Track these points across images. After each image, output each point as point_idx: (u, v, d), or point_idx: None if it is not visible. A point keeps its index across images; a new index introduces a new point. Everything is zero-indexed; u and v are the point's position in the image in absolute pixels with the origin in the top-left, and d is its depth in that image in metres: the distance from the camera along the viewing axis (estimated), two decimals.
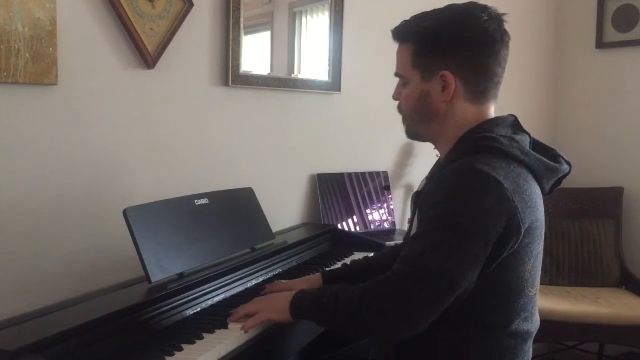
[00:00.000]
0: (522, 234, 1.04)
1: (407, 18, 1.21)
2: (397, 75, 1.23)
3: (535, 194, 1.09)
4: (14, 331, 1.07)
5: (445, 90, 1.13)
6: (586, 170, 2.95)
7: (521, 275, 1.08)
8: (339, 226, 2.15)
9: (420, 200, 1.13)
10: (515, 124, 1.19)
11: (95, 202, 1.51)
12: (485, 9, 1.14)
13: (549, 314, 2.30)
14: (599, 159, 2.94)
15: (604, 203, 2.76)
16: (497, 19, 1.14)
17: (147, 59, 1.58)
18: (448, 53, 1.12)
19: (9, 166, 1.35)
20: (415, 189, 2.37)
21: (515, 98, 2.92)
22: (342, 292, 1.12)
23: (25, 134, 1.38)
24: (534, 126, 2.94)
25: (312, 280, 1.46)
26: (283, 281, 1.47)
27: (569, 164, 1.20)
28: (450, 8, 1.16)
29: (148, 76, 1.61)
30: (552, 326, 2.31)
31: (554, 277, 2.64)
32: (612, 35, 2.86)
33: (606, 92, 2.92)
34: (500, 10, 1.16)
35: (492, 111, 1.18)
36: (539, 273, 1.16)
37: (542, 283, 2.54)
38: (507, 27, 1.17)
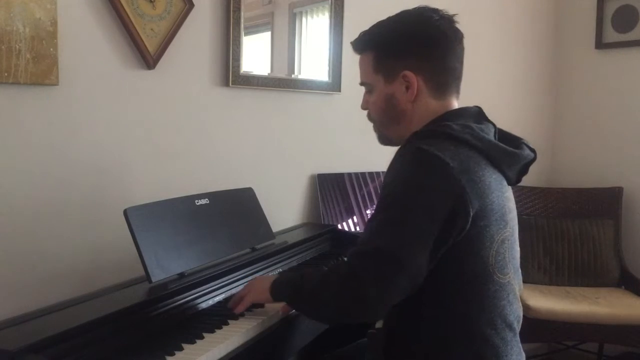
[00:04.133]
0: (471, 215, 1.04)
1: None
2: (362, 84, 1.27)
3: (490, 177, 1.10)
4: (15, 331, 1.08)
5: (408, 90, 1.18)
6: (585, 170, 2.95)
7: (484, 260, 1.08)
8: (339, 226, 2.15)
9: None
10: (478, 114, 1.21)
11: (96, 202, 1.51)
12: (435, 10, 1.19)
13: (548, 313, 2.31)
14: (598, 159, 2.94)
15: (604, 203, 2.76)
16: (447, 19, 1.19)
17: (148, 59, 1.59)
18: (406, 53, 1.18)
19: (9, 166, 1.36)
20: None
21: (514, 98, 2.93)
22: (310, 276, 1.17)
23: (26, 134, 1.38)
24: (534, 126, 2.96)
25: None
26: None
27: (533, 150, 1.22)
28: (403, 13, 1.22)
29: (148, 76, 1.62)
30: (551, 326, 2.32)
31: (553, 276, 2.64)
32: (611, 35, 2.86)
33: (605, 93, 2.92)
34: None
35: (455, 105, 1.22)
36: (512, 260, 1.16)
37: (541, 283, 2.60)
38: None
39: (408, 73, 1.16)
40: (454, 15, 1.20)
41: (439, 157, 1.04)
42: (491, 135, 1.18)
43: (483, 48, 2.65)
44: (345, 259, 1.13)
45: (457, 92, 1.22)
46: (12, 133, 1.36)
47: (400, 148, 1.18)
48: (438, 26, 1.17)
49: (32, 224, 1.40)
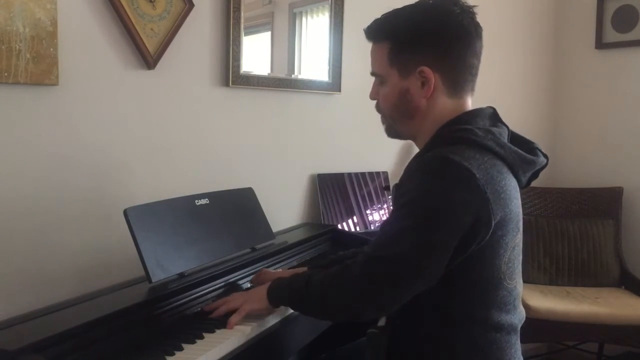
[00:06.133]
0: (492, 226, 1.03)
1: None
2: (373, 74, 1.23)
3: (510, 185, 1.09)
4: (15, 331, 1.08)
5: (424, 86, 1.13)
6: (585, 170, 2.95)
7: (497, 267, 1.08)
8: (339, 226, 2.15)
9: (393, 189, 1.14)
10: (493, 116, 1.19)
11: (96, 202, 1.51)
12: (456, 2, 1.14)
13: (548, 313, 2.31)
14: (598, 159, 2.94)
15: (604, 203, 2.76)
16: (469, 12, 1.14)
17: (148, 59, 1.59)
18: (425, 48, 1.13)
19: (9, 166, 1.36)
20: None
21: (514, 98, 2.92)
22: (314, 275, 1.15)
23: (26, 134, 1.38)
24: (534, 126, 2.96)
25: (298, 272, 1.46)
26: (269, 270, 1.50)
27: (545, 156, 1.20)
28: (422, 4, 1.16)
29: (148, 76, 1.62)
30: (551, 326, 2.32)
31: (553, 277, 2.64)
32: (611, 35, 2.86)
33: (605, 93, 2.92)
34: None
35: (470, 103, 1.18)
36: (518, 265, 1.15)
37: (541, 283, 2.60)
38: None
39: (425, 69, 1.12)
40: (474, 6, 1.15)
41: (467, 168, 1.02)
42: (506, 139, 1.15)
43: (483, 48, 2.65)
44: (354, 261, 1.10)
45: (472, 89, 1.18)
46: (12, 133, 1.36)
47: (421, 153, 1.15)
48: (460, 21, 1.11)
49: (32, 224, 1.40)
